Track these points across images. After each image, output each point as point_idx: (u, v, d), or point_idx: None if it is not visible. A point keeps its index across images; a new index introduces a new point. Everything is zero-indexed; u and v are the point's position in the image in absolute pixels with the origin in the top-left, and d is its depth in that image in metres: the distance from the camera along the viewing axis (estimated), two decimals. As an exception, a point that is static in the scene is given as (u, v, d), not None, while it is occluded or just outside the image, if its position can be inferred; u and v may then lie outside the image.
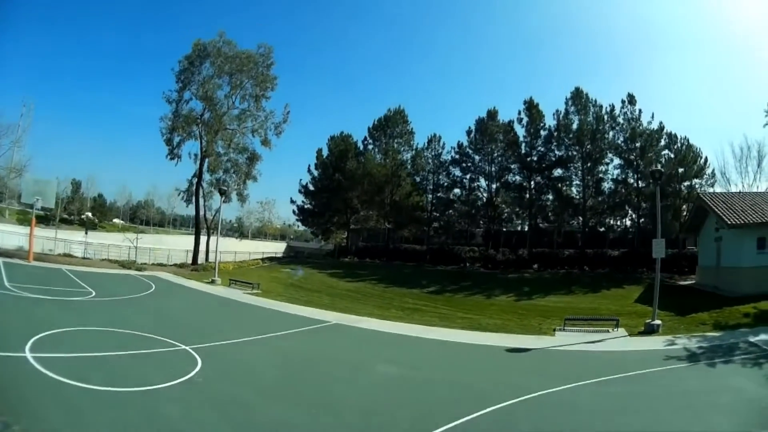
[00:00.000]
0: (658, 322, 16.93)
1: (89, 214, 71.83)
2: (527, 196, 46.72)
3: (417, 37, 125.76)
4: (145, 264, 33.07)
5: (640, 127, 42.82)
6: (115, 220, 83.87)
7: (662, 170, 23.73)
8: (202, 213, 42.92)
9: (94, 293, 19.50)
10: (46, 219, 53.71)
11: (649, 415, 8.49)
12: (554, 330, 17.52)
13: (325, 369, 11.91)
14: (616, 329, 17.22)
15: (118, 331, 13.08)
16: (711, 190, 38.49)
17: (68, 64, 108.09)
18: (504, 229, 50.26)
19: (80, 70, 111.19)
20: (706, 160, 41.92)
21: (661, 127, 42.76)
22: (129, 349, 11.33)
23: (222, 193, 35.15)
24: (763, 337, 14.91)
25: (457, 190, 51.37)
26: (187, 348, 11.69)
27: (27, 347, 9.90)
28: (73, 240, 38.80)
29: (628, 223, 45.62)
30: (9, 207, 59.01)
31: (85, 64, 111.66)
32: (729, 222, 24.04)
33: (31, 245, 28.50)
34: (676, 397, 9.42)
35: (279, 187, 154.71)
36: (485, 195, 49.20)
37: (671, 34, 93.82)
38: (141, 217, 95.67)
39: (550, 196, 46.56)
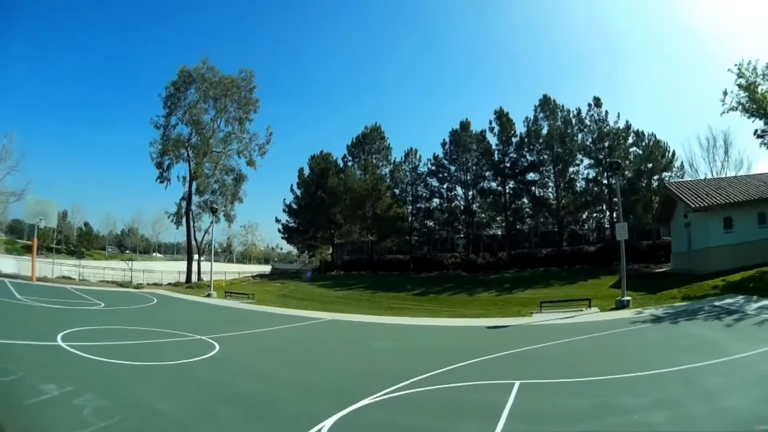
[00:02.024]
0: (627, 298, 18.58)
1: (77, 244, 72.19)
2: (503, 200, 48.41)
3: (388, 56, 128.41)
4: (140, 284, 34.03)
5: (607, 128, 44.79)
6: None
7: (620, 161, 25.39)
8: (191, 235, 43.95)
9: (102, 304, 20.62)
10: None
11: (608, 355, 10.22)
12: (531, 313, 19.11)
13: (327, 346, 13.57)
14: (588, 308, 18.88)
15: (137, 328, 14.39)
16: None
17: (50, 90, 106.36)
18: (484, 235, 51.97)
19: (62, 100, 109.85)
20: (673, 153, 43.66)
21: (628, 126, 44.63)
22: (151, 339, 12.74)
23: (213, 211, 36.40)
24: (728, 300, 16.39)
25: (435, 200, 53.07)
26: (202, 337, 13.09)
27: (58, 338, 11.11)
28: (67, 263, 39.57)
29: (604, 221, 47.69)
30: (-2, 237, 58.97)
31: (67, 94, 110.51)
32: (693, 206, 25.58)
33: (33, 264, 29.20)
34: (636, 342, 11.26)
35: (262, 210, 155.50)
36: (462, 203, 51.01)
37: (633, 36, 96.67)
38: (126, 244, 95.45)
39: (525, 199, 48.44)
